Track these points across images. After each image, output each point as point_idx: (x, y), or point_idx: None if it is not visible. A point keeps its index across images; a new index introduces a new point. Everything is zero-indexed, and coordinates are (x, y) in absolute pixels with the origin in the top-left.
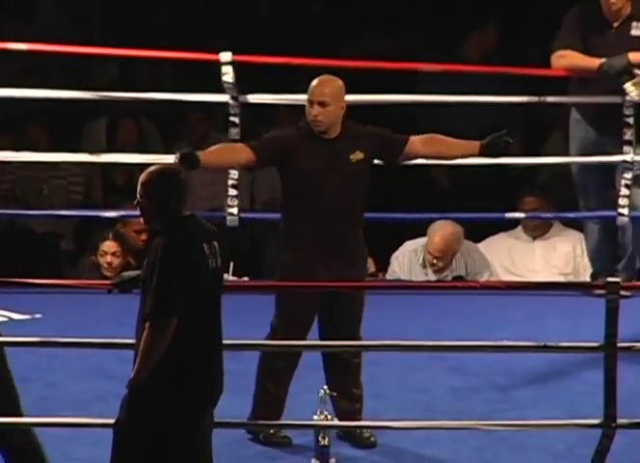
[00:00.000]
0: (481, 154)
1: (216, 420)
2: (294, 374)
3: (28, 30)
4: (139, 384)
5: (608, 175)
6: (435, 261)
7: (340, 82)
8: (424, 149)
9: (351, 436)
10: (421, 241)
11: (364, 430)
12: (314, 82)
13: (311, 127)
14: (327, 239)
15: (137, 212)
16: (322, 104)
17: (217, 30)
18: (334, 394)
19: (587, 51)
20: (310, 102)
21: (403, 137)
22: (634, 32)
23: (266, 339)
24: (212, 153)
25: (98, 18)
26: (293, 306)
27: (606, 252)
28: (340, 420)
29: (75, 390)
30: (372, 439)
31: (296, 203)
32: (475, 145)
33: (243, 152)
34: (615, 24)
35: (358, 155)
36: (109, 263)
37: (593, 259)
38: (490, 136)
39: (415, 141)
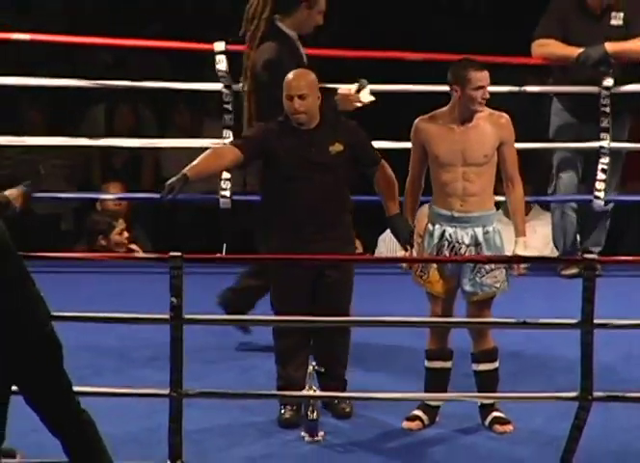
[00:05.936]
0: (388, 218)
1: (208, 390)
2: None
3: (23, 21)
4: None
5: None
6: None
7: (313, 75)
8: (377, 186)
9: (330, 407)
10: None
11: (341, 401)
12: (290, 76)
13: (290, 121)
14: (309, 229)
15: (133, 195)
16: (302, 97)
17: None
18: (322, 370)
19: (567, 39)
20: (290, 97)
21: (376, 158)
22: (614, 22)
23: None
24: (200, 165)
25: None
26: (284, 295)
27: (572, 231)
28: (322, 396)
29: (73, 365)
30: (347, 410)
31: (277, 193)
32: (393, 210)
33: (229, 154)
34: (597, 13)
35: (337, 147)
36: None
37: (558, 237)
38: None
39: (379, 171)
